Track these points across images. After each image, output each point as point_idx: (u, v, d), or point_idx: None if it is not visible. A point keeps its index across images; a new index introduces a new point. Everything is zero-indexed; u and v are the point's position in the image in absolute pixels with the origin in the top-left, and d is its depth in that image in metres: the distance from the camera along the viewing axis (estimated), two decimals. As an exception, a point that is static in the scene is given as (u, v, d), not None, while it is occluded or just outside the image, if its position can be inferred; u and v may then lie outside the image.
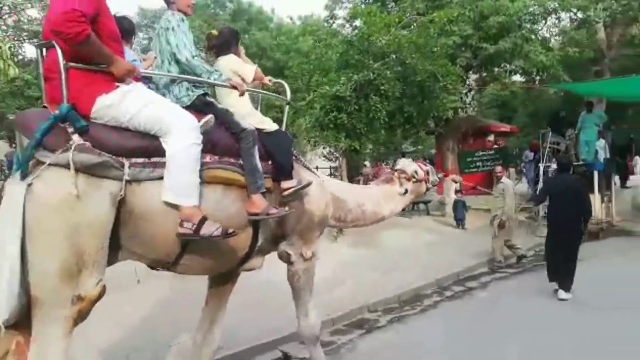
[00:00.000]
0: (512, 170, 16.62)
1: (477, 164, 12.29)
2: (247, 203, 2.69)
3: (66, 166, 2.08)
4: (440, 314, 5.83)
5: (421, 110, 9.19)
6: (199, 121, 2.49)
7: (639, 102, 22.13)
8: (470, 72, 12.78)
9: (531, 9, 10.22)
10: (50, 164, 2.07)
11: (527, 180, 15.17)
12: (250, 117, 3.07)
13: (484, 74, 13.10)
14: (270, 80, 3.42)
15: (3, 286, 2.01)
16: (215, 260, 2.72)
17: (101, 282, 2.22)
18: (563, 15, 14.93)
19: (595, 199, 11.19)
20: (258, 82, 3.24)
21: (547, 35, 12.64)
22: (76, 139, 2.15)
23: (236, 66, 3.20)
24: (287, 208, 2.89)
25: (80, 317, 2.21)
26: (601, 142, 12.54)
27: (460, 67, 10.16)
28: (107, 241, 2.22)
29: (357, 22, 10.68)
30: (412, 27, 9.49)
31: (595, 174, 11.32)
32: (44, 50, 2.36)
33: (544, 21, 13.13)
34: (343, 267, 7.25)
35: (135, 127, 2.31)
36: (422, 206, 13.22)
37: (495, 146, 14.36)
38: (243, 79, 3.10)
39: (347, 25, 11.67)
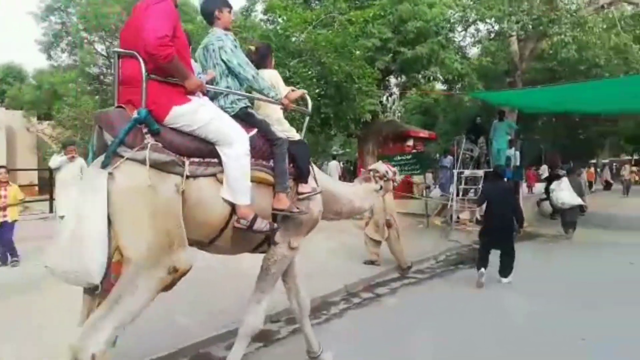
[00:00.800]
0: (429, 175, 17.05)
1: (395, 168, 12.35)
2: (274, 199, 3.21)
3: (142, 162, 2.51)
4: (346, 323, 5.56)
5: (339, 111, 8.95)
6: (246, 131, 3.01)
7: (547, 114, 23.92)
8: (391, 76, 12.85)
9: (448, 17, 10.39)
10: (128, 158, 2.51)
11: (439, 185, 15.62)
12: (279, 125, 3.55)
13: (404, 79, 13.25)
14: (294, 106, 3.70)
15: (90, 256, 2.42)
16: (240, 244, 3.20)
17: (189, 260, 2.67)
18: (481, 27, 15.59)
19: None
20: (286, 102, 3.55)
21: (464, 44, 12.96)
22: (150, 139, 2.57)
23: (276, 82, 3.66)
24: (303, 208, 3.42)
25: (170, 285, 2.67)
26: (511, 151, 13.14)
27: (378, 70, 10.10)
28: (182, 221, 2.64)
29: (279, 18, 10.30)
30: (334, 26, 9.29)
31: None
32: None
33: (464, 31, 13.55)
34: (248, 274, 6.80)
35: (201, 135, 2.76)
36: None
37: (414, 151, 14.61)
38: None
39: (266, 19, 11.25)
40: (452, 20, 10.52)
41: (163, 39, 2.46)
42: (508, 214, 6.89)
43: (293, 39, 8.17)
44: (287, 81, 8.19)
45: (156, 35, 2.45)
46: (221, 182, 2.84)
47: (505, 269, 6.88)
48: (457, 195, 12.00)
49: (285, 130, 3.53)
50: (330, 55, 8.12)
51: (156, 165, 2.55)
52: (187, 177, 2.69)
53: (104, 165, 2.49)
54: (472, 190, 12.49)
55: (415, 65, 10.61)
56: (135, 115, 2.54)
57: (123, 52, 2.68)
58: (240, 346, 3.55)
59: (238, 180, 2.82)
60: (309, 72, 8.05)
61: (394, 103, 14.06)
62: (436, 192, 15.79)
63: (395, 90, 14.16)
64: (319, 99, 8.30)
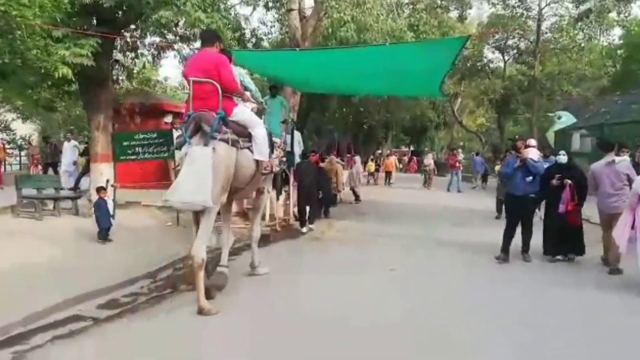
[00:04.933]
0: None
1: (137, 149, 9.37)
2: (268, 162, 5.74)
3: (226, 141, 4.87)
4: None
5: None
6: None
7: (335, 100, 23.70)
8: (135, 32, 9.87)
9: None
10: (219, 139, 4.82)
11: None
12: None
13: (159, 40, 10.44)
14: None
15: (208, 187, 4.61)
16: (253, 189, 6.00)
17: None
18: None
19: (272, 197, 9.94)
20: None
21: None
22: (225, 128, 4.90)
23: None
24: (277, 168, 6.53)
25: None
26: (282, 133, 11.45)
27: (73, 8, 7.07)
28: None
29: None
30: None
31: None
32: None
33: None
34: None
35: (244, 123, 5.19)
36: (65, 204, 9.54)
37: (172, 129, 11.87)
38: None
39: None
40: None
41: (236, 83, 5.29)
42: (312, 185, 9.92)
43: None
44: None
45: (234, 80, 5.22)
46: (252, 152, 5.28)
47: (311, 217, 9.87)
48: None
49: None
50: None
51: (231, 143, 4.92)
52: (240, 148, 5.07)
53: (205, 144, 4.75)
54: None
55: (145, 10, 7.78)
56: (217, 115, 4.81)
57: (202, 81, 4.89)
58: (255, 247, 6.32)
59: (262, 147, 5.31)
60: None
61: (143, 67, 11.06)
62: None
63: (146, 51, 11.18)
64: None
